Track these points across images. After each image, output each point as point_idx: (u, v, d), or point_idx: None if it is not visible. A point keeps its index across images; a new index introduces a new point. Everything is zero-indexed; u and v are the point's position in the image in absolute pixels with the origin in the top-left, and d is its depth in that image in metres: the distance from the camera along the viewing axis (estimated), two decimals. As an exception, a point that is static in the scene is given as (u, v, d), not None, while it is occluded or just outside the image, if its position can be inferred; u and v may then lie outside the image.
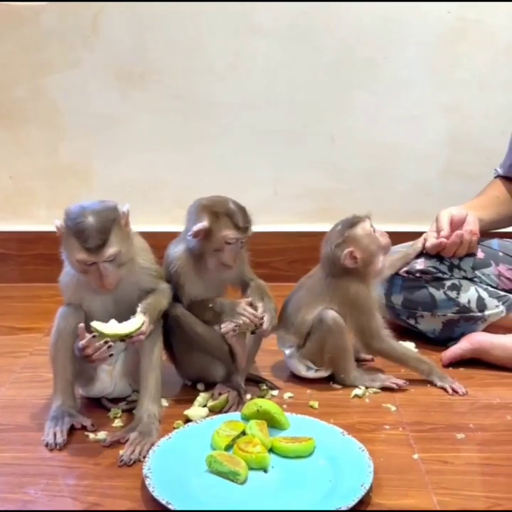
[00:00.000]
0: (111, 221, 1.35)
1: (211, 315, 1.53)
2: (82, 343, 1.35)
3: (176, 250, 1.55)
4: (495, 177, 1.98)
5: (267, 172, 2.30)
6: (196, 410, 1.47)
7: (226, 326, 1.49)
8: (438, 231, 1.80)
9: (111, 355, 1.37)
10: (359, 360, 1.71)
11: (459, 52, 2.18)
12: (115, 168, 2.29)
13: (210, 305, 1.53)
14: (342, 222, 1.67)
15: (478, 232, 1.80)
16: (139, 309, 1.40)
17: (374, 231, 1.64)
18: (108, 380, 1.51)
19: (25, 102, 2.24)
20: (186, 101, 2.24)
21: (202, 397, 1.53)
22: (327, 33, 2.19)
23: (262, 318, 1.51)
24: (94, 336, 1.34)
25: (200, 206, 1.52)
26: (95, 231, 1.32)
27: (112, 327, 1.35)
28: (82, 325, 1.36)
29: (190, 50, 2.21)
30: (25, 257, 2.28)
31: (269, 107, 2.24)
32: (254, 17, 2.19)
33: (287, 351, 1.67)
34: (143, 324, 1.37)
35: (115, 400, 1.54)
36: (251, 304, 1.53)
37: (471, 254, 1.83)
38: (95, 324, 1.34)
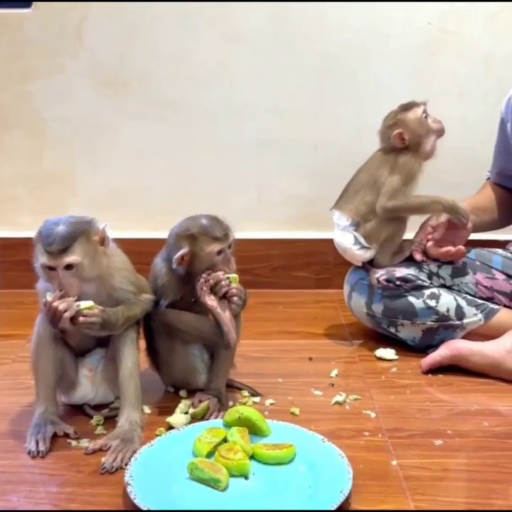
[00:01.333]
0: (79, 232, 1.37)
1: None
2: (49, 300, 1.36)
3: (162, 266, 1.56)
4: (487, 179, 2.03)
5: (250, 179, 2.32)
6: (178, 417, 1.48)
7: (205, 297, 1.50)
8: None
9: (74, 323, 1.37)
10: None
11: (439, 62, 2.21)
12: (99, 175, 2.30)
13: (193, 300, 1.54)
14: (399, 106, 1.88)
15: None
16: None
17: (426, 117, 1.84)
18: (89, 385, 1.51)
19: (9, 109, 2.25)
20: (170, 108, 2.25)
21: (184, 404, 1.54)
22: (310, 42, 2.22)
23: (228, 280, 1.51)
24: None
25: (174, 235, 1.54)
26: (60, 237, 1.35)
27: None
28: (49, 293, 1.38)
29: (175, 58, 2.23)
30: (8, 263, 2.28)
31: (253, 115, 2.26)
32: (238, 26, 2.21)
33: (342, 225, 1.86)
34: (91, 307, 1.38)
35: (97, 407, 1.54)
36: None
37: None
38: (48, 294, 1.38)
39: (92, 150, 2.29)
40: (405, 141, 1.83)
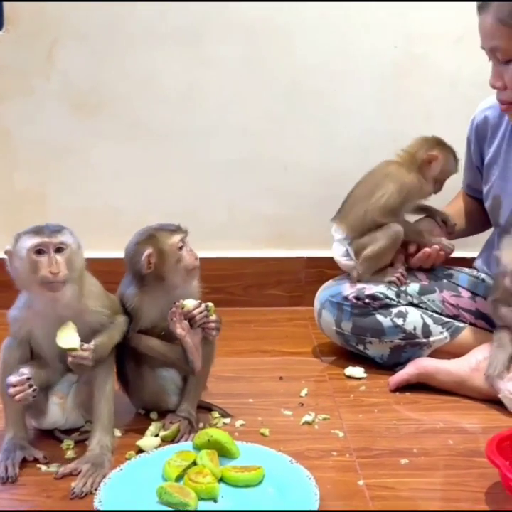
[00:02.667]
0: (64, 226, 1.43)
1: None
2: (11, 379, 1.37)
3: (130, 290, 1.58)
4: (461, 188, 2.09)
5: (221, 199, 2.34)
6: (148, 440, 1.49)
7: (175, 326, 1.52)
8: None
9: (34, 397, 1.38)
10: None
11: (405, 84, 2.25)
12: (70, 196, 2.31)
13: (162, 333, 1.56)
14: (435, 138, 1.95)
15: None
16: (91, 344, 1.42)
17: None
18: (59, 412, 1.51)
19: (-21, 130, 2.25)
20: (141, 130, 2.27)
21: (154, 426, 1.55)
22: (279, 66, 2.25)
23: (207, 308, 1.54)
24: (28, 379, 1.37)
25: (133, 246, 1.58)
26: (49, 225, 1.41)
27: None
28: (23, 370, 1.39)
29: (145, 81, 2.25)
30: (-22, 283, 2.28)
31: (223, 136, 2.28)
32: (208, 50, 2.23)
33: (337, 237, 1.95)
34: (76, 349, 1.39)
35: (68, 431, 1.54)
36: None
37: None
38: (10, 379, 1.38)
39: (63, 171, 2.30)
40: (432, 161, 1.90)
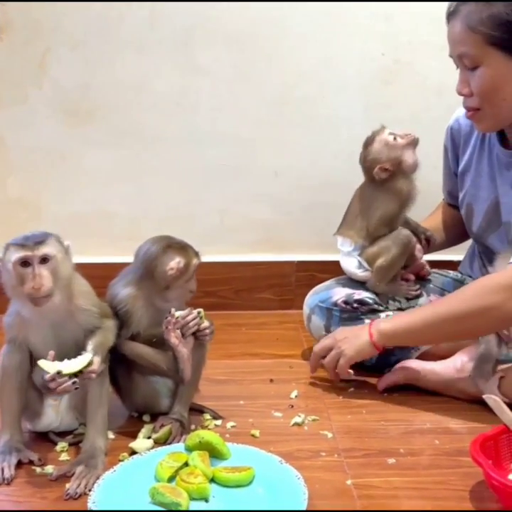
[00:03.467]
0: (50, 234, 1.44)
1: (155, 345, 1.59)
2: (47, 376, 1.38)
3: (125, 291, 1.59)
4: (443, 199, 2.11)
5: (213, 205, 2.37)
6: (141, 442, 1.52)
7: (169, 335, 1.54)
8: None
9: (76, 388, 1.40)
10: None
11: (392, 92, 2.29)
12: (64, 202, 2.33)
13: (154, 340, 1.58)
14: (363, 144, 1.94)
15: None
16: (88, 348, 1.44)
17: (394, 138, 1.89)
18: (54, 415, 1.54)
19: (-28, 138, 2.28)
20: (133, 136, 2.30)
21: (146, 428, 1.57)
22: (268, 73, 2.28)
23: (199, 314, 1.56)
24: (59, 373, 1.38)
25: (160, 249, 1.58)
26: (34, 235, 1.41)
27: (58, 365, 1.39)
28: (52, 352, 1.40)
29: (137, 88, 2.27)
30: (-28, 289, 2.30)
31: (214, 143, 2.31)
32: (199, 57, 2.26)
33: (346, 249, 1.95)
34: (90, 362, 1.41)
35: (62, 434, 1.56)
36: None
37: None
38: (41, 363, 1.38)
39: (56, 177, 2.32)
40: (389, 170, 1.89)
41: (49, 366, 1.38)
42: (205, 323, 1.58)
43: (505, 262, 1.63)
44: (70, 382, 1.38)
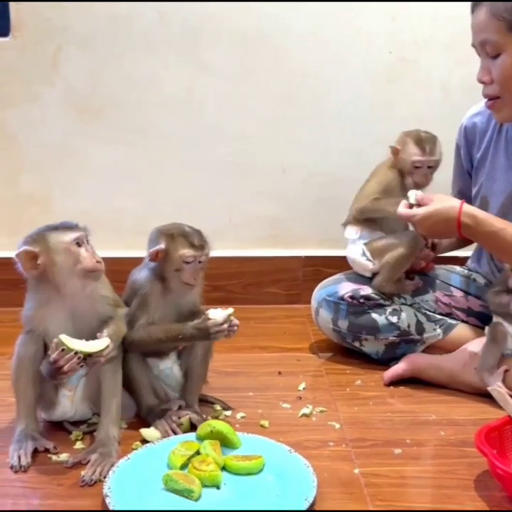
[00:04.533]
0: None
1: (171, 339, 1.60)
2: (53, 356, 1.40)
3: (142, 275, 1.63)
4: None
5: (221, 201, 2.40)
6: (151, 431, 1.55)
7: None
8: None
9: (81, 366, 1.43)
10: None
11: (398, 89, 2.31)
12: (74, 198, 2.37)
13: (174, 333, 1.58)
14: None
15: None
16: (104, 333, 1.47)
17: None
18: (69, 404, 1.57)
19: (-14, 135, 2.31)
20: (142, 134, 2.33)
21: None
22: (275, 70, 2.31)
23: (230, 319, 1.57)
24: (63, 350, 1.40)
25: (157, 231, 1.62)
26: (67, 221, 1.51)
27: (78, 343, 1.42)
28: (56, 340, 1.42)
29: (145, 86, 2.31)
30: (-14, 282, 2.33)
31: (222, 140, 2.34)
32: (206, 56, 2.29)
33: (352, 237, 1.98)
34: (107, 347, 1.44)
35: (76, 423, 1.60)
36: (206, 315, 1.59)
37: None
38: (63, 337, 1.41)
39: (67, 174, 2.36)
40: (398, 156, 1.93)
41: (70, 342, 1.41)
42: (235, 321, 1.58)
43: None
44: (75, 359, 1.40)
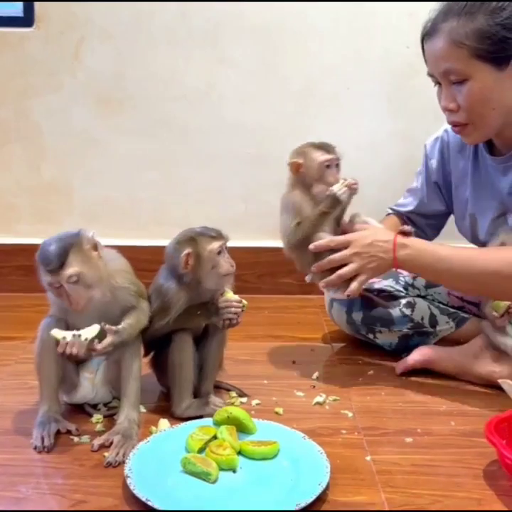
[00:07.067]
0: (69, 245, 1.44)
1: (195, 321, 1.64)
2: (58, 349, 1.46)
3: (170, 284, 1.61)
4: (388, 214, 2.07)
5: (237, 192, 2.43)
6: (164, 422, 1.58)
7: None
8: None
9: (90, 342, 1.46)
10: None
11: (415, 84, 2.31)
12: (94, 187, 2.41)
13: (198, 312, 1.63)
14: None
15: None
16: (119, 327, 1.51)
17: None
18: (90, 387, 1.61)
19: (9, 123, 2.36)
20: (162, 125, 2.37)
21: None
22: (293, 65, 2.34)
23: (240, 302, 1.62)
24: (58, 343, 1.45)
25: (173, 244, 1.62)
26: (54, 255, 1.43)
27: (66, 333, 1.47)
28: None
29: (167, 79, 2.34)
30: (8, 268, 2.37)
31: (240, 132, 2.38)
32: (227, 49, 2.33)
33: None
34: (99, 334, 1.47)
35: (97, 406, 1.64)
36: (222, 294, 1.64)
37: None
38: (54, 332, 1.46)
39: (87, 163, 2.40)
40: (300, 171, 1.77)
41: (60, 334, 1.46)
42: (244, 301, 1.63)
43: None
44: (70, 339, 1.45)
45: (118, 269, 1.57)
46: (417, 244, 1.68)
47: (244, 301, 1.63)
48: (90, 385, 1.62)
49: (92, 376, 1.61)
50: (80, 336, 1.46)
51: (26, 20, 2.28)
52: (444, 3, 1.64)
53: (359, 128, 2.36)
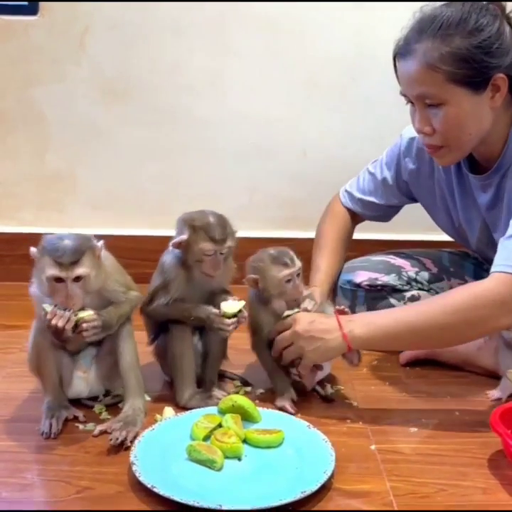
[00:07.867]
0: (85, 247, 1.43)
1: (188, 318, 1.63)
2: (48, 317, 1.42)
3: (168, 259, 1.63)
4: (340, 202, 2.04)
5: (242, 182, 2.43)
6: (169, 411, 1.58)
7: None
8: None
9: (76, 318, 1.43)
10: None
11: (421, 75, 2.33)
12: (98, 176, 2.41)
13: (187, 314, 1.62)
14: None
15: None
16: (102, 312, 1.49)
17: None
18: (84, 385, 1.59)
19: (13, 112, 2.35)
20: (167, 115, 2.36)
21: None
22: (299, 55, 2.33)
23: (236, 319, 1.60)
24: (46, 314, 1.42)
25: (182, 220, 1.62)
26: (70, 250, 1.40)
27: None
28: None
29: (171, 68, 2.34)
30: (12, 256, 2.36)
31: (245, 123, 2.37)
32: (232, 39, 2.32)
33: None
34: (80, 319, 1.44)
35: (98, 398, 1.63)
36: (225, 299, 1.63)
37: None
38: (45, 306, 1.44)
39: (91, 152, 2.40)
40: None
41: (50, 307, 1.44)
42: (244, 313, 1.61)
43: None
44: (68, 313, 1.42)
45: (109, 272, 1.53)
46: (361, 318, 1.63)
47: (245, 312, 1.61)
48: (84, 383, 1.60)
49: (86, 375, 1.59)
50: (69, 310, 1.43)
51: (31, 8, 2.27)
52: (416, 20, 1.56)
53: (364, 118, 2.36)
